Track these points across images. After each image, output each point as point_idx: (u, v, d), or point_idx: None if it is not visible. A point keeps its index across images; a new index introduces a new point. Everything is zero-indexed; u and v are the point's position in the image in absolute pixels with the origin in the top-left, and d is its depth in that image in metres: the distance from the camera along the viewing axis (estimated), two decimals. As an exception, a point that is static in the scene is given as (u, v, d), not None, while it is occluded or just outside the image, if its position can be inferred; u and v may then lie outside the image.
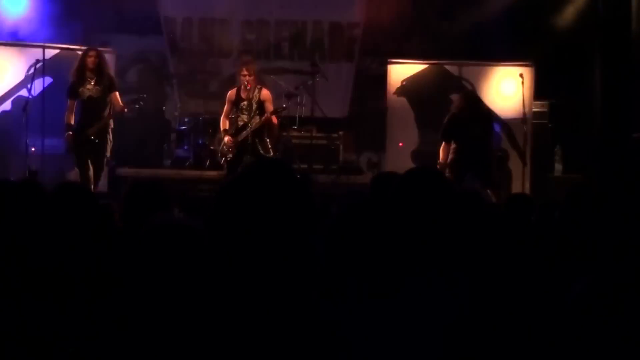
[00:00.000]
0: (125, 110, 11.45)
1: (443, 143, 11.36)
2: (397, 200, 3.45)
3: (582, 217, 4.64)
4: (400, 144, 13.87)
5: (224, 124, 11.78)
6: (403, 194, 3.47)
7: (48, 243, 4.23)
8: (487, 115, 11.80)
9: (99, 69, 11.27)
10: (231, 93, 11.79)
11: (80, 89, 11.24)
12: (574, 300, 2.64)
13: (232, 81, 12.36)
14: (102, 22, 15.22)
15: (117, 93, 11.36)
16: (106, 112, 11.23)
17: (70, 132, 11.22)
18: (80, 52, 11.83)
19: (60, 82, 12.68)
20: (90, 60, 11.22)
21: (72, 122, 11.28)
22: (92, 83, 11.20)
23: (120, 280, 3.31)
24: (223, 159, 11.80)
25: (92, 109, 11.22)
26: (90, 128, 11.14)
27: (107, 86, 11.26)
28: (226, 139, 11.67)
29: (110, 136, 11.28)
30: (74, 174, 12.52)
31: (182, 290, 2.67)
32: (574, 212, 4.84)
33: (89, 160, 11.18)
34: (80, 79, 11.25)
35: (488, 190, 10.72)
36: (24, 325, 3.59)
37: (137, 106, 12.56)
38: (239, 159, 11.61)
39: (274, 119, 11.76)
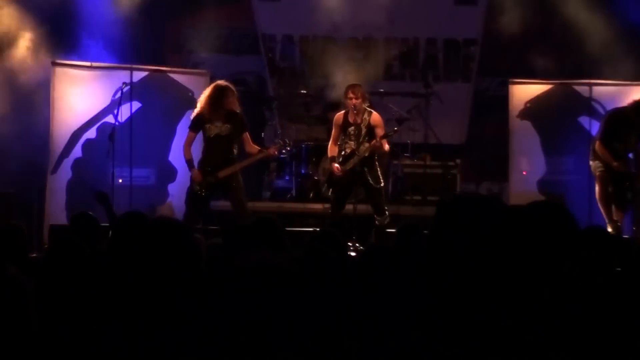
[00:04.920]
0: (275, 153, 11.59)
1: None
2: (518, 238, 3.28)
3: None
4: (524, 172, 13.56)
5: (332, 150, 11.46)
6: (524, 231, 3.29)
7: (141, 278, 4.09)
8: None
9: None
10: (338, 116, 11.49)
11: (208, 125, 10.86)
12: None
13: (337, 104, 12.11)
14: (195, 42, 15.37)
15: (247, 134, 11.03)
16: (235, 153, 10.93)
17: (197, 170, 10.87)
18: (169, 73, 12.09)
19: (150, 106, 12.84)
20: (230, 101, 10.87)
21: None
22: (223, 120, 10.83)
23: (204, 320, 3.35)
24: (330, 190, 11.50)
25: (220, 148, 10.85)
26: (221, 170, 10.78)
27: (239, 125, 10.92)
28: (333, 167, 11.32)
29: (240, 177, 10.97)
30: (164, 208, 12.37)
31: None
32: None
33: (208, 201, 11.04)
34: (212, 114, 10.84)
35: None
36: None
37: (285, 151, 12.42)
38: (347, 191, 11.37)
39: (385, 145, 11.36)
